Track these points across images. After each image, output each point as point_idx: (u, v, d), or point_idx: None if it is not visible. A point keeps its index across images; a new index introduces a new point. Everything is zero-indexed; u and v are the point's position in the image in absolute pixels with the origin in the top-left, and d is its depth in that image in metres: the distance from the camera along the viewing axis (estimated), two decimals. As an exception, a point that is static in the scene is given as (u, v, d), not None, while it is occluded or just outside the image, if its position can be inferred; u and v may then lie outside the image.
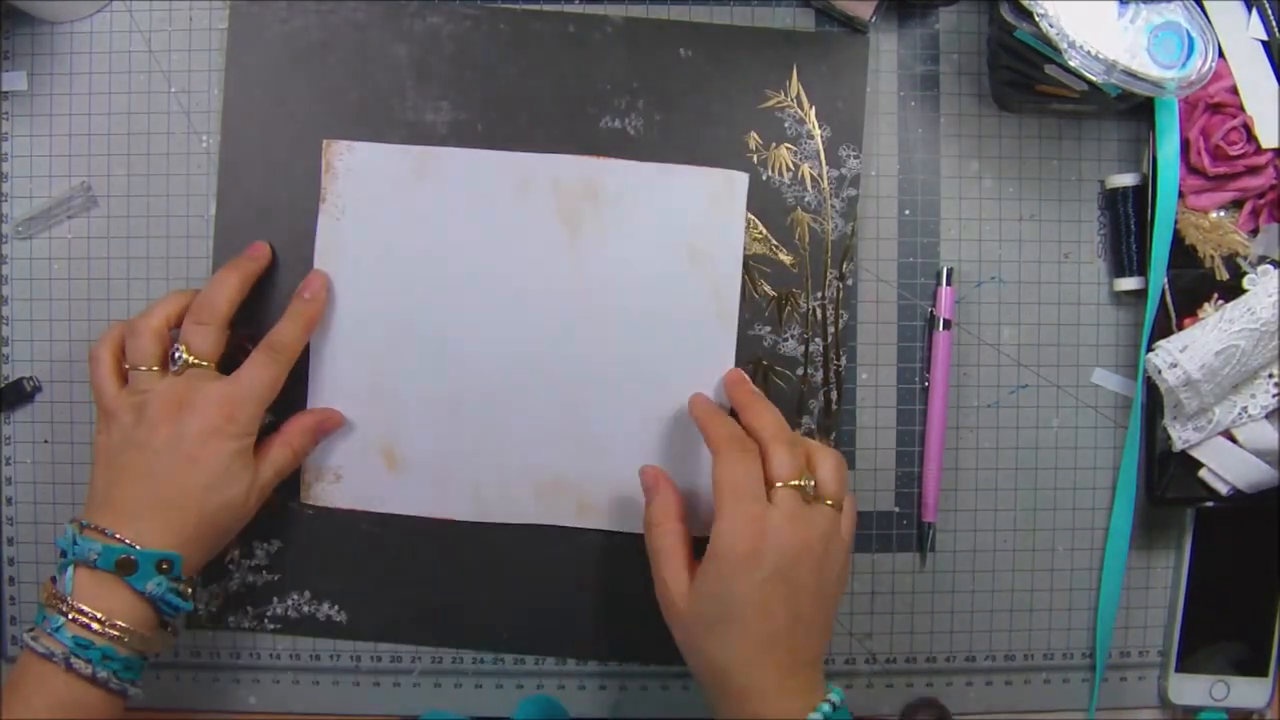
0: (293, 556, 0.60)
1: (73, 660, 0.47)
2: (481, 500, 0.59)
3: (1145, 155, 0.58)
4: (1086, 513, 0.61)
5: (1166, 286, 0.57)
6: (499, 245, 0.58)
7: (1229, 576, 0.60)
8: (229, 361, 0.54)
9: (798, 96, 0.59)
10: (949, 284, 0.59)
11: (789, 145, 0.59)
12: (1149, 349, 0.57)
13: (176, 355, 0.52)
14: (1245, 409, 0.56)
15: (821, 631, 0.51)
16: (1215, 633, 0.60)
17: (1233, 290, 0.57)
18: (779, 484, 0.50)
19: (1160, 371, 0.56)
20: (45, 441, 0.60)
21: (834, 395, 0.59)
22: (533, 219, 0.58)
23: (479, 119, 0.59)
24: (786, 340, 0.59)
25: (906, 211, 0.60)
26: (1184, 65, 0.50)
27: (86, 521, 0.49)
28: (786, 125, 0.59)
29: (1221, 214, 0.58)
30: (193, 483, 0.50)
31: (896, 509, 0.60)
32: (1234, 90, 0.57)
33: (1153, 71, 0.50)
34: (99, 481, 0.52)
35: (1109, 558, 0.60)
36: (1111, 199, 0.59)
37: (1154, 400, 0.58)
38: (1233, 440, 0.57)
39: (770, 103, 0.59)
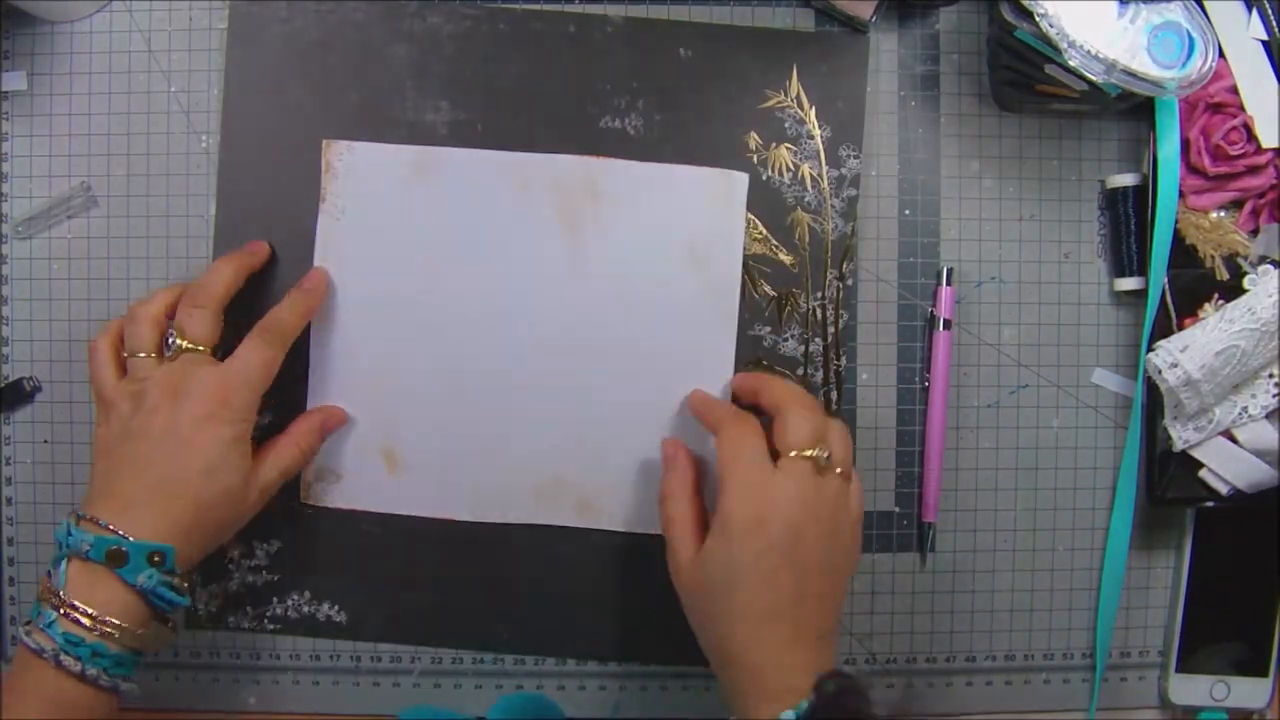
0: (292, 557, 0.60)
1: (62, 657, 0.47)
2: (481, 500, 0.59)
3: (1145, 155, 0.58)
4: (1087, 513, 0.61)
5: (1167, 286, 0.57)
6: (499, 245, 0.58)
7: (1229, 577, 0.60)
8: (226, 353, 0.54)
9: (798, 96, 0.59)
10: (949, 284, 0.59)
11: (789, 145, 0.59)
12: (1149, 349, 0.57)
13: (171, 341, 0.52)
14: (1245, 409, 0.56)
15: (831, 606, 0.50)
16: (1215, 633, 0.60)
17: (1233, 290, 0.57)
18: (791, 452, 0.49)
19: (1160, 371, 0.56)
20: (45, 441, 0.60)
21: (834, 395, 0.59)
22: (532, 219, 0.58)
23: (479, 119, 0.59)
24: (786, 340, 0.59)
25: (906, 211, 0.60)
26: (1184, 65, 0.50)
27: (83, 513, 0.49)
28: (786, 125, 0.59)
29: (1222, 214, 0.58)
30: (189, 468, 0.50)
31: (896, 509, 0.60)
32: (1234, 90, 0.57)
33: (1153, 71, 0.50)
34: (98, 473, 0.51)
35: (1109, 558, 0.60)
36: (1112, 199, 0.59)
37: (1154, 400, 0.58)
38: (1233, 440, 0.57)
39: (770, 103, 0.59)
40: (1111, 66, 0.50)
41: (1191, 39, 0.50)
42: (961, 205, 0.60)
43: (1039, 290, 0.60)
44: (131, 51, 0.60)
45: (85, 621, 0.47)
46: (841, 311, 0.59)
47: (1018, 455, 0.60)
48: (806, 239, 0.59)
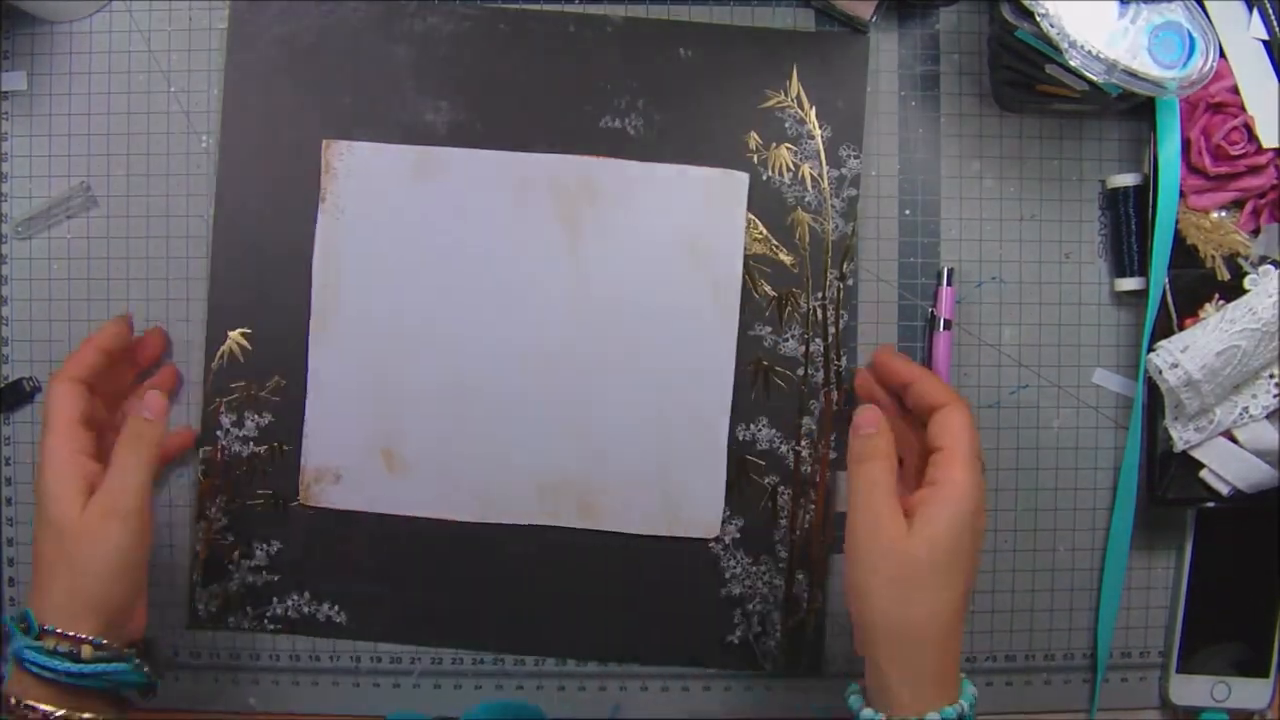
0: (292, 557, 0.60)
1: None
2: (483, 501, 0.59)
3: (1146, 155, 0.58)
4: (1087, 513, 0.60)
5: (1167, 286, 0.57)
6: (499, 245, 0.58)
7: (1230, 577, 0.60)
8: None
9: (798, 96, 0.59)
10: (949, 284, 0.59)
11: (789, 145, 0.59)
12: (1150, 349, 0.57)
13: None
14: (1246, 409, 0.56)
15: None
16: (1216, 633, 0.60)
17: (1234, 290, 0.57)
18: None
19: (1161, 372, 0.55)
20: (45, 441, 0.60)
21: (835, 395, 0.59)
22: (532, 219, 0.58)
23: (478, 119, 0.59)
24: (787, 340, 0.59)
25: (906, 211, 0.60)
26: (1185, 65, 0.50)
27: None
28: (787, 125, 0.59)
29: (1222, 214, 0.58)
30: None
31: (897, 509, 0.60)
32: (1235, 90, 0.57)
33: (1153, 71, 0.50)
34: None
35: (1110, 558, 0.60)
36: (1112, 199, 0.59)
37: (1155, 400, 0.58)
38: (1234, 440, 0.57)
39: (770, 103, 0.59)
40: (1112, 66, 0.50)
41: (1192, 39, 0.50)
42: (962, 205, 0.60)
43: (1039, 290, 0.60)
44: (131, 51, 0.60)
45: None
46: (842, 312, 0.59)
47: (1018, 455, 0.60)
48: (807, 239, 0.59)
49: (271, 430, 0.59)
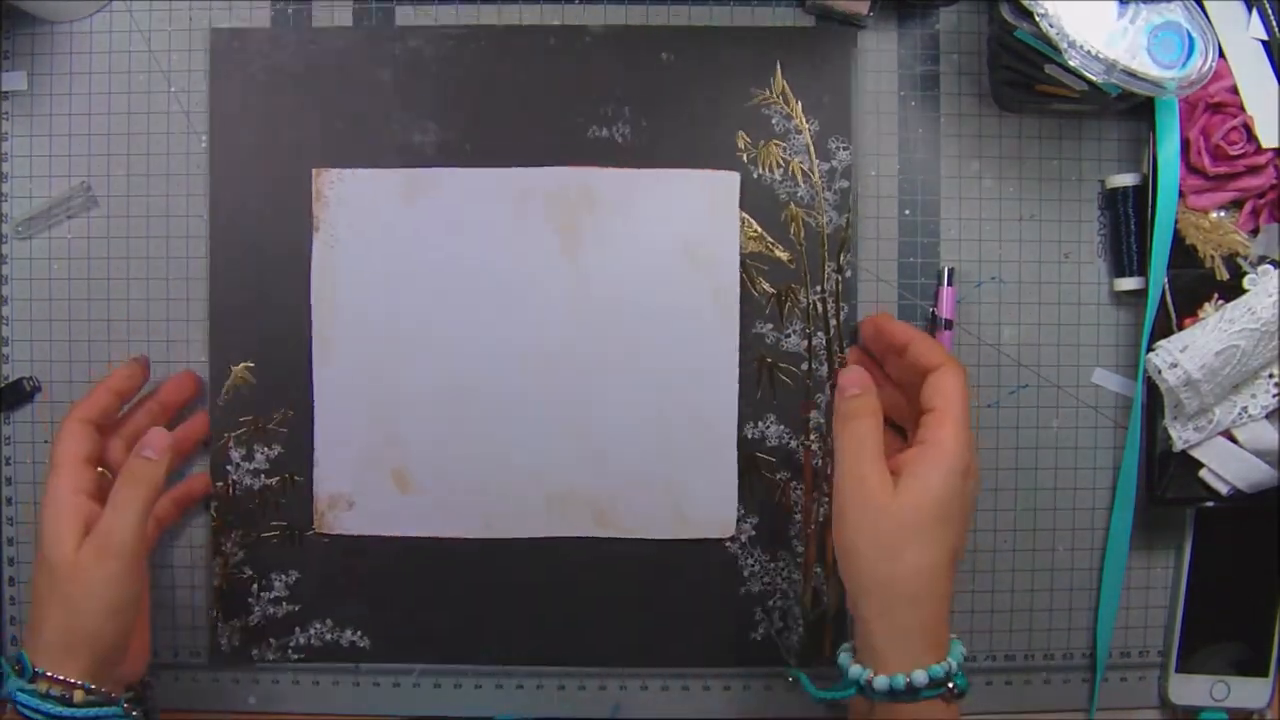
0: (311, 586, 0.59)
1: None
2: (492, 516, 0.59)
3: (1145, 155, 0.58)
4: (1086, 513, 0.60)
5: (1167, 286, 0.57)
6: (496, 261, 0.58)
7: (1229, 576, 0.60)
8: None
9: (783, 92, 0.59)
10: (950, 284, 0.59)
11: (778, 142, 0.59)
12: (1149, 349, 0.57)
13: None
14: (1245, 409, 0.56)
15: None
16: (1215, 633, 0.60)
17: (1233, 290, 0.57)
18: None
19: (1160, 371, 0.56)
20: (45, 442, 0.60)
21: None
22: (528, 232, 0.58)
23: (466, 138, 0.59)
24: (789, 336, 0.59)
25: (906, 211, 0.60)
26: (1184, 65, 0.50)
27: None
28: (774, 122, 0.59)
29: (1222, 214, 0.58)
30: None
31: (896, 509, 0.60)
32: (1234, 90, 0.57)
33: (1153, 71, 0.50)
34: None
35: (1109, 558, 0.60)
36: (1112, 199, 0.59)
37: (1154, 400, 0.58)
38: (1233, 440, 0.57)
39: (756, 100, 0.59)
40: (1111, 66, 0.50)
41: (1191, 39, 0.50)
42: (961, 205, 0.60)
43: (1039, 290, 0.60)
44: (131, 51, 0.60)
45: None
46: (842, 304, 0.59)
47: (1017, 455, 0.60)
48: (802, 234, 0.59)
49: (282, 461, 0.59)
